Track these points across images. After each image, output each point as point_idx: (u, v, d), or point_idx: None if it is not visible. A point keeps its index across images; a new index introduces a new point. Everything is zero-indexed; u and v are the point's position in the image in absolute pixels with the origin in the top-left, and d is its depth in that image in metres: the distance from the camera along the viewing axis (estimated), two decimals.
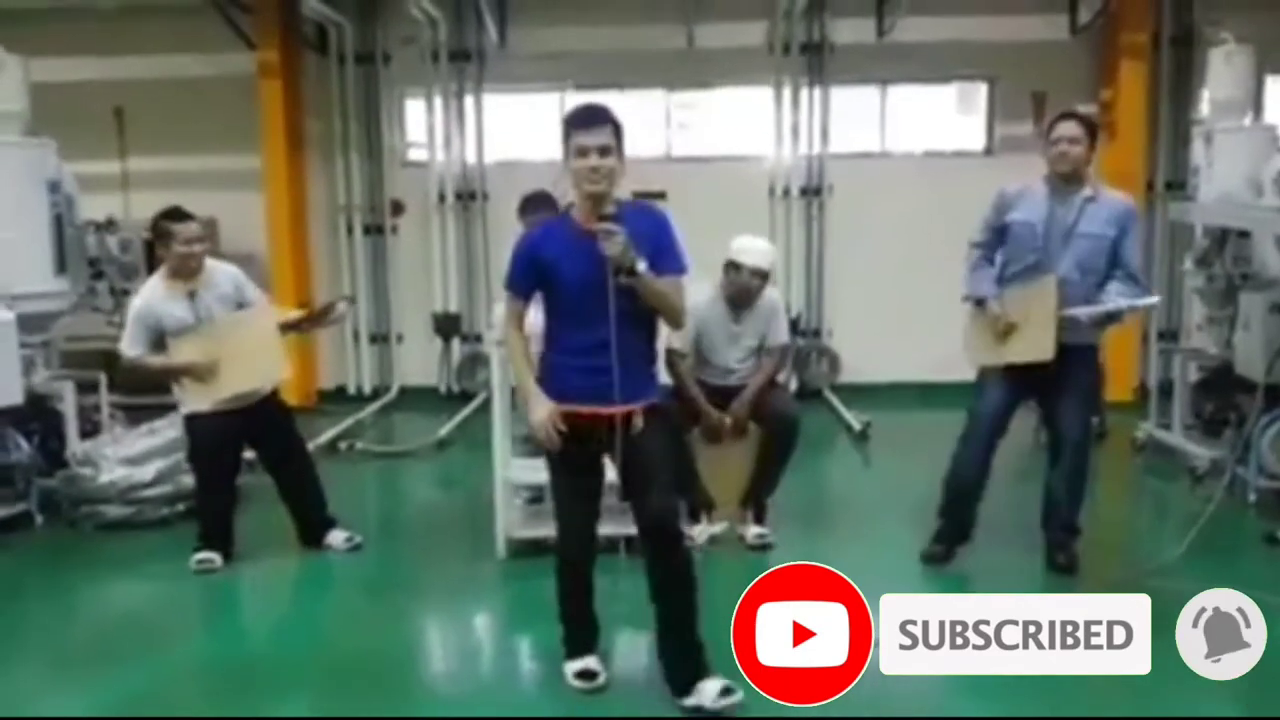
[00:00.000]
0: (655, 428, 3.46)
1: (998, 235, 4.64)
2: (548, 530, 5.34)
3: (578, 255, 3.30)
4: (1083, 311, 4.38)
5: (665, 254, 3.38)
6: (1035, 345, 4.43)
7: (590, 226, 3.26)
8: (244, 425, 5.03)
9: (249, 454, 5.41)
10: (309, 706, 3.90)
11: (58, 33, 8.36)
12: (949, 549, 4.86)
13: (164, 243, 4.93)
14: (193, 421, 5.02)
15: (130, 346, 4.93)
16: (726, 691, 3.35)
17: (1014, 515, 5.14)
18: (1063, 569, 4.69)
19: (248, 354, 4.92)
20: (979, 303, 4.69)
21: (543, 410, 3.39)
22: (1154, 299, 4.48)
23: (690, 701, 3.41)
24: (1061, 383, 4.55)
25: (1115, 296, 4.39)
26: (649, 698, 3.60)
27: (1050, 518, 4.79)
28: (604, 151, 3.27)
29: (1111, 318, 4.49)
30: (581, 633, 3.78)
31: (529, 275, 3.45)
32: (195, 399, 4.95)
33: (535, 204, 5.49)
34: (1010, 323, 4.53)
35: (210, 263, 5.07)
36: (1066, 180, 4.46)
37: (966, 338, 4.80)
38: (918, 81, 9.15)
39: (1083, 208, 4.44)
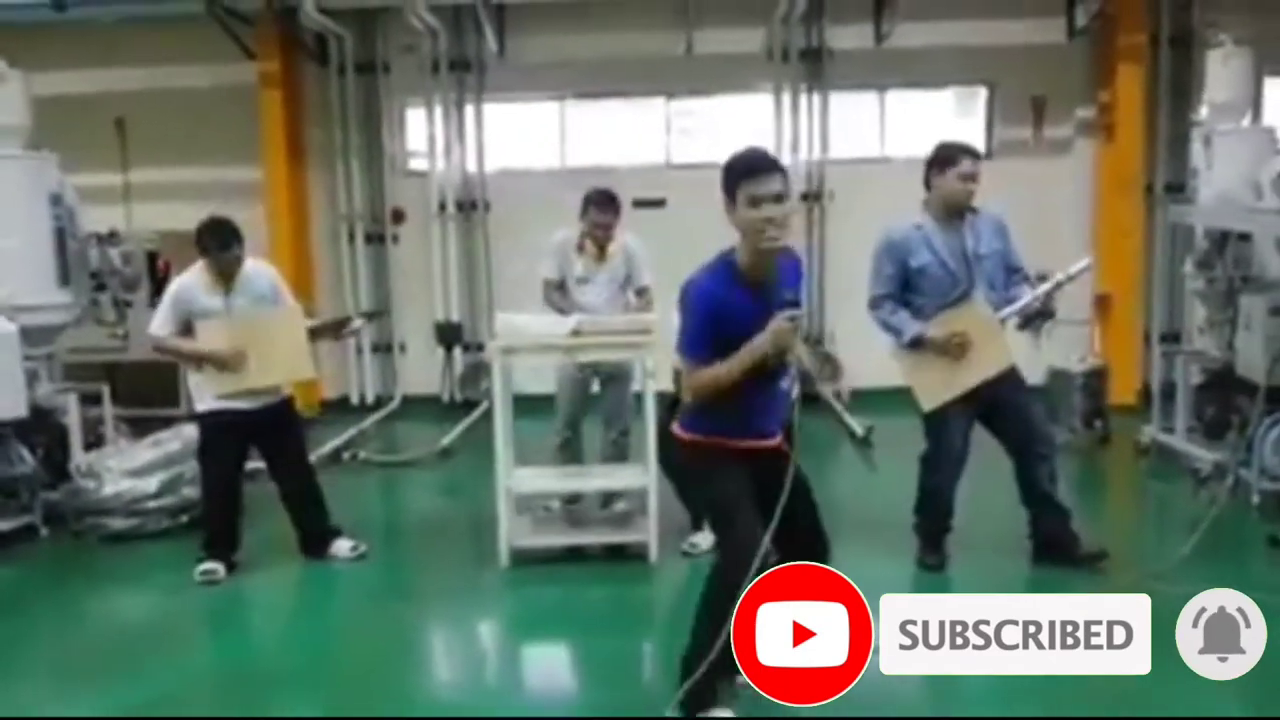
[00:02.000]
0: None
1: (901, 282, 4.74)
2: (550, 539, 5.41)
3: (756, 311, 3.15)
4: (1012, 309, 4.67)
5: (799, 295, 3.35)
6: (994, 357, 4.64)
7: (778, 329, 3.10)
8: (255, 425, 5.06)
9: (253, 464, 5.43)
10: (314, 716, 3.90)
11: (59, 46, 8.40)
12: (940, 549, 4.95)
13: (204, 255, 4.96)
14: (206, 418, 5.06)
15: (159, 326, 4.99)
16: None
17: (1012, 523, 5.16)
18: (1098, 557, 4.80)
19: (275, 350, 4.98)
20: (914, 344, 4.71)
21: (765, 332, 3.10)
22: (1054, 283, 4.71)
23: None
24: (1005, 395, 4.73)
25: (1028, 292, 4.68)
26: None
27: (1044, 515, 4.87)
28: (779, 199, 3.10)
29: (1041, 313, 4.72)
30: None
31: (712, 341, 3.19)
32: (214, 387, 4.97)
33: (601, 203, 5.53)
34: (966, 339, 4.60)
35: (249, 264, 5.10)
36: (959, 212, 4.67)
37: (915, 386, 4.81)
38: (916, 87, 9.17)
39: (975, 231, 4.68)
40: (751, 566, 3.03)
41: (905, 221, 4.76)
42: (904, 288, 4.74)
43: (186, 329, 4.98)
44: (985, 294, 4.67)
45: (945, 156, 4.68)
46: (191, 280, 5.02)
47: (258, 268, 5.18)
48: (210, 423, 5.05)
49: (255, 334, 4.96)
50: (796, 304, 3.20)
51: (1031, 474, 4.81)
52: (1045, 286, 4.68)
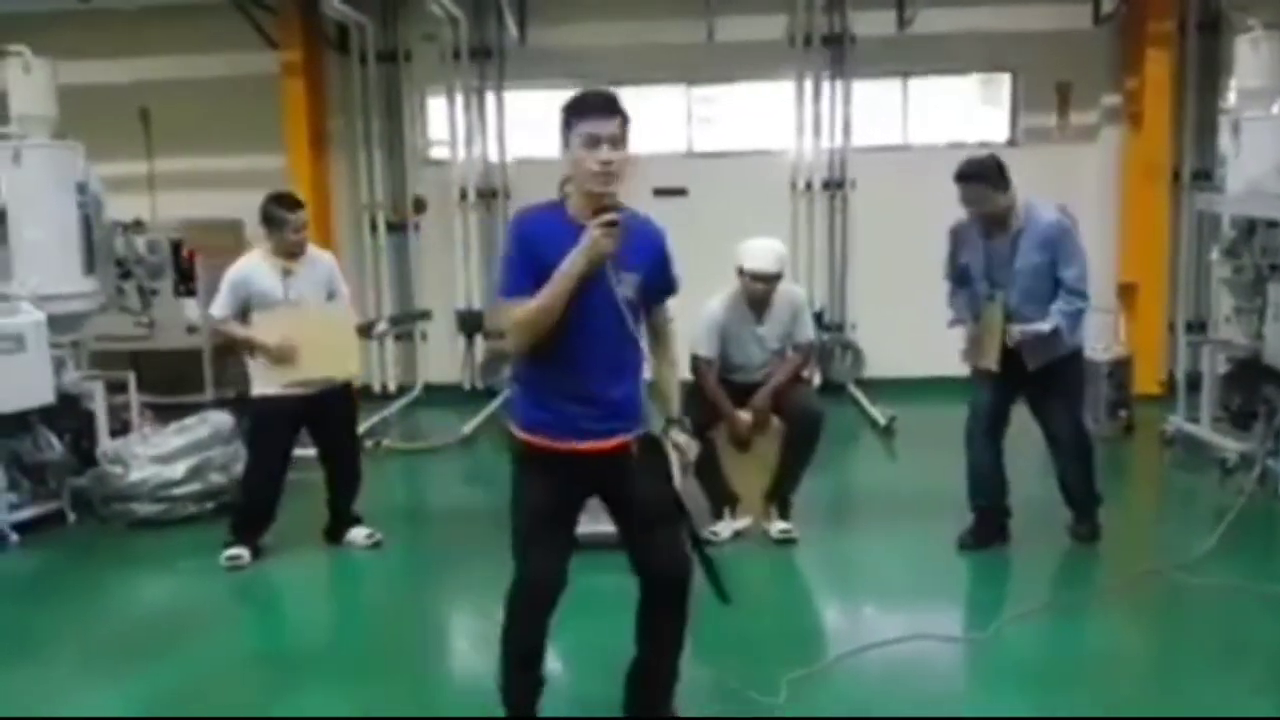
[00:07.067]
0: (652, 463, 3.09)
1: (962, 269, 4.96)
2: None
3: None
4: (1018, 330, 4.70)
5: (663, 271, 3.06)
6: (988, 357, 4.87)
7: (594, 238, 2.80)
8: (308, 409, 5.12)
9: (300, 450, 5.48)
10: (336, 702, 3.93)
11: (84, 36, 8.44)
12: (979, 539, 5.04)
13: (273, 228, 5.03)
14: (261, 402, 5.11)
15: (219, 309, 5.05)
16: None
17: (1044, 509, 5.15)
18: (1083, 538, 5.00)
19: (326, 344, 5.06)
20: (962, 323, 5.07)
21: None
22: (1076, 308, 4.72)
23: None
24: (1047, 388, 4.87)
25: (1054, 315, 4.67)
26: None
27: (1069, 499, 5.08)
28: (615, 142, 2.87)
29: (1055, 333, 4.70)
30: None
31: (531, 273, 2.88)
32: (269, 376, 5.03)
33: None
34: (983, 336, 4.88)
35: (311, 249, 5.19)
36: (997, 223, 4.72)
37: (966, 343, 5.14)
38: (940, 73, 9.09)
39: (1015, 242, 4.71)
40: (528, 613, 3.24)
41: (967, 219, 4.88)
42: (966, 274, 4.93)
43: (245, 315, 5.03)
44: (1021, 305, 4.72)
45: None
46: (251, 262, 5.09)
47: (318, 253, 5.29)
48: (265, 408, 5.11)
49: (308, 327, 5.02)
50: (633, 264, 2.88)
51: (1061, 468, 5.03)
52: (1032, 329, 4.69)
